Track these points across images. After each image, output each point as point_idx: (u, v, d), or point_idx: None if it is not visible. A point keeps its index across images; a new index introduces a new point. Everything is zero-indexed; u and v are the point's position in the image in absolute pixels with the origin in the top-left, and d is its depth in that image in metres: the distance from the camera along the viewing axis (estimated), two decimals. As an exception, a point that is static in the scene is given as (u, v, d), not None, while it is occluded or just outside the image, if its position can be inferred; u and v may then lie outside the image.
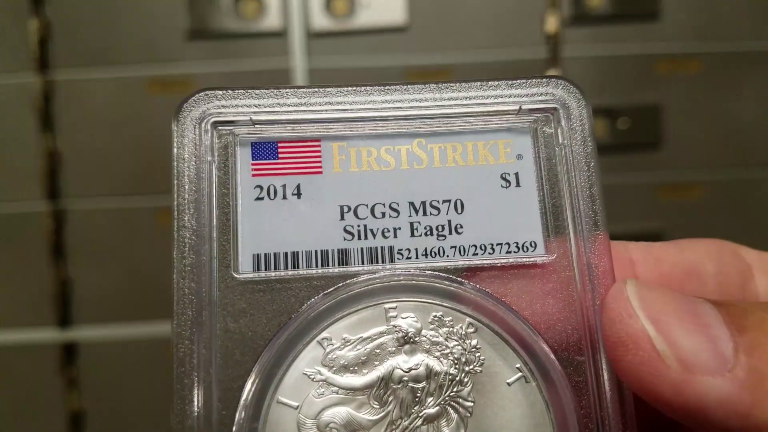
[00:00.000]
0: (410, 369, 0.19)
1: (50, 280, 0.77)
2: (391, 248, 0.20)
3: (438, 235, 0.21)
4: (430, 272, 0.20)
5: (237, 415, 0.18)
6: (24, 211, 0.76)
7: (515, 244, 0.21)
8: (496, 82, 0.21)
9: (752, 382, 0.17)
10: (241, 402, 0.18)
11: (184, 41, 0.74)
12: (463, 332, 0.20)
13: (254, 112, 0.20)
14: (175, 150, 0.20)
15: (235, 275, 0.19)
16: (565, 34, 0.77)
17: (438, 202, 0.21)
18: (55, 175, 0.77)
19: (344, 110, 0.21)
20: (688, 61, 0.80)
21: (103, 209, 0.77)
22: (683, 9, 0.80)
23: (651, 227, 0.80)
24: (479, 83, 0.21)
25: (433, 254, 0.20)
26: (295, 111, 0.21)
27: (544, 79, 0.22)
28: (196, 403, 0.18)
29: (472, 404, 0.19)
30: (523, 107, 0.21)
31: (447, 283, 0.20)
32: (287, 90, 0.21)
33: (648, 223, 0.80)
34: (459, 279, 0.20)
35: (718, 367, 0.17)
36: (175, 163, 0.20)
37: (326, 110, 0.21)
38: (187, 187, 0.20)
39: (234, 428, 0.18)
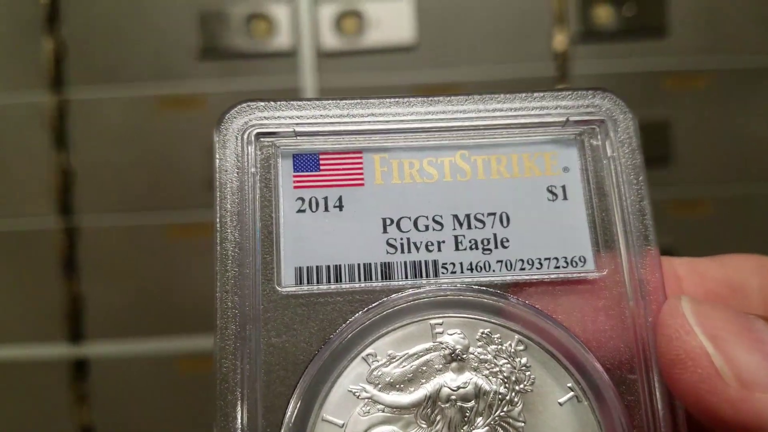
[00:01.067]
0: (458, 387, 0.18)
1: (62, 296, 0.76)
2: (435, 262, 0.20)
3: (483, 249, 0.20)
4: (476, 287, 0.20)
5: (281, 430, 0.18)
6: (37, 228, 0.77)
7: (564, 259, 0.20)
8: (542, 94, 0.21)
9: None
10: (286, 419, 0.18)
11: (196, 60, 0.74)
12: (513, 350, 0.19)
13: (296, 123, 0.20)
14: (218, 161, 0.19)
15: (278, 289, 0.19)
16: (573, 51, 0.77)
17: (483, 215, 0.20)
18: (67, 191, 0.77)
19: (386, 122, 0.21)
20: (696, 77, 0.80)
21: (115, 226, 0.77)
22: (691, 25, 0.80)
23: (661, 243, 0.79)
24: (524, 95, 0.21)
25: (478, 269, 0.20)
26: (337, 122, 0.20)
27: (590, 91, 0.21)
28: (239, 420, 0.17)
29: (523, 424, 0.18)
30: (570, 119, 0.21)
31: (494, 298, 0.19)
32: (329, 101, 0.20)
33: (658, 240, 0.79)
34: (506, 294, 0.19)
35: None
36: (218, 175, 0.19)
37: (368, 122, 0.20)
38: (229, 198, 0.19)
39: (278, 448, 0.17)
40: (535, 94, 0.21)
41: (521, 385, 0.19)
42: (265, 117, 0.20)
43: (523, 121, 0.21)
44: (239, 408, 0.17)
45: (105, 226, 0.76)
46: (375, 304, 0.19)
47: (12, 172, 0.76)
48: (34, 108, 0.75)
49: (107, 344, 0.76)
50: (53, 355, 0.74)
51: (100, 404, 0.74)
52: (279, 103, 0.20)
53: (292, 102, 0.20)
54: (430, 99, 0.21)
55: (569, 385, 0.19)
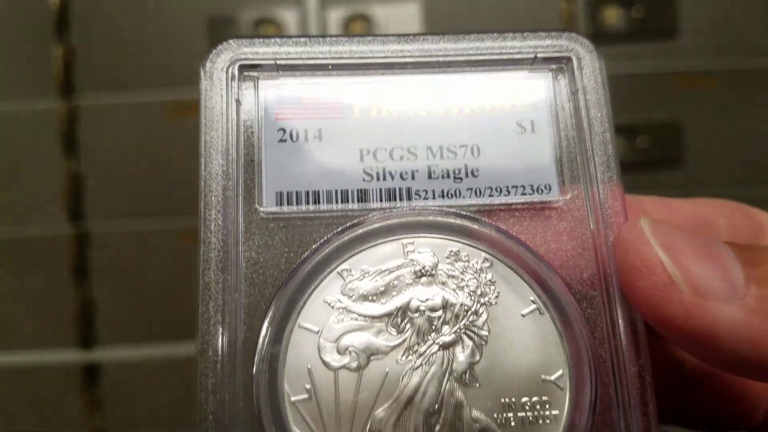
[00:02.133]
0: (427, 299, 0.20)
1: (73, 302, 0.78)
2: (408, 189, 0.21)
3: (455, 178, 0.21)
4: (446, 211, 0.21)
5: (260, 337, 0.19)
6: (48, 234, 0.78)
7: (530, 187, 0.21)
8: (512, 34, 0.22)
9: (763, 311, 0.17)
10: (264, 326, 0.19)
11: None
12: (479, 267, 0.20)
13: (279, 58, 0.21)
14: (204, 91, 0.21)
15: (259, 209, 0.20)
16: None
17: (455, 146, 0.22)
18: (78, 197, 0.79)
19: (365, 58, 0.22)
20: (706, 78, 0.80)
21: (125, 231, 0.78)
22: (700, 26, 0.80)
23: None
24: (495, 34, 0.22)
25: (449, 195, 0.21)
26: (318, 58, 0.22)
27: (557, 32, 0.22)
28: (220, 325, 0.19)
29: (487, 333, 0.19)
30: (539, 56, 0.22)
31: (463, 220, 0.21)
32: (310, 38, 0.22)
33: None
34: (475, 217, 0.21)
35: (729, 295, 0.18)
36: (203, 104, 0.21)
37: (347, 58, 0.22)
38: (214, 126, 0.21)
39: (257, 349, 0.19)
40: (506, 34, 0.22)
41: (486, 298, 0.20)
42: (249, 53, 0.22)
43: (494, 58, 0.22)
44: (220, 315, 0.19)
45: (115, 232, 0.77)
46: (350, 223, 0.20)
47: (22, 179, 0.77)
48: (44, 114, 0.77)
49: (118, 349, 0.77)
50: (65, 361, 0.76)
51: (112, 408, 0.75)
52: (262, 39, 0.22)
53: (275, 38, 0.22)
54: (406, 37, 0.22)
55: (531, 298, 0.20)
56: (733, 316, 0.17)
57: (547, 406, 0.19)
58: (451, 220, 0.21)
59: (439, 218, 0.21)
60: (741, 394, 0.24)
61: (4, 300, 0.80)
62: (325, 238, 0.20)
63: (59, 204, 0.79)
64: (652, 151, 0.79)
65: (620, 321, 0.20)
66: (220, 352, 0.19)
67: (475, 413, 0.19)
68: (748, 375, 0.20)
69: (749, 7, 0.80)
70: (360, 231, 0.20)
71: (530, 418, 0.19)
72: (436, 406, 0.19)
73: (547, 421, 0.19)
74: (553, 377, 0.19)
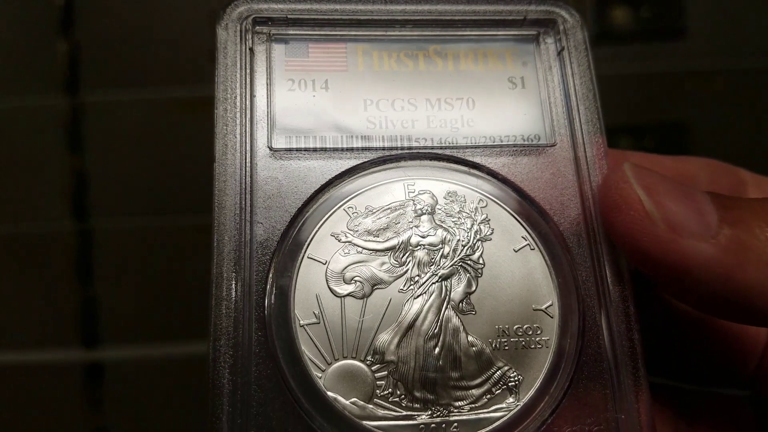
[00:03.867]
0: (427, 234, 0.21)
1: (76, 300, 0.77)
2: (409, 136, 0.23)
3: (452, 127, 0.23)
4: (445, 155, 0.22)
5: (272, 268, 0.20)
6: (51, 231, 0.77)
7: (521, 136, 0.23)
8: None
9: (734, 249, 0.19)
10: (276, 256, 0.20)
11: (210, 62, 0.75)
12: (475, 206, 0.22)
13: (290, 13, 0.23)
14: (220, 41, 0.22)
15: (271, 149, 0.22)
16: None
17: (452, 99, 0.23)
18: (83, 195, 0.78)
19: (369, 17, 0.23)
20: (714, 78, 0.80)
21: (130, 228, 0.77)
22: (709, 26, 0.80)
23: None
24: None
25: (447, 142, 0.23)
26: (326, 14, 0.23)
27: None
28: (234, 253, 0.20)
29: (482, 266, 0.21)
30: (528, 18, 0.24)
31: (460, 164, 0.22)
32: None
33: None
34: (471, 161, 0.22)
35: (702, 233, 0.19)
36: (220, 52, 0.22)
37: (353, 15, 0.23)
38: (229, 73, 0.22)
39: (269, 279, 0.20)
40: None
41: (481, 235, 0.21)
42: (262, 7, 0.23)
43: (487, 18, 0.24)
44: (232, 245, 0.20)
45: (120, 229, 0.76)
46: (356, 163, 0.22)
47: (27, 175, 0.77)
48: (49, 111, 0.76)
49: (122, 348, 0.76)
50: (67, 359, 0.75)
51: (115, 408, 0.75)
52: (274, -4, 0.23)
53: (286, -4, 0.23)
54: None
55: (523, 236, 0.22)
56: (705, 253, 0.19)
57: (538, 332, 0.20)
58: (450, 163, 0.22)
59: (439, 161, 0.22)
60: (732, 345, 0.26)
61: (6, 297, 0.79)
62: (332, 176, 0.22)
63: (63, 201, 0.79)
64: (659, 152, 0.80)
65: (604, 256, 0.21)
66: (234, 282, 0.20)
67: (471, 338, 0.20)
68: (720, 313, 0.21)
69: (758, 8, 0.81)
70: (365, 171, 0.22)
71: (522, 343, 0.20)
72: (436, 330, 0.20)
73: (539, 346, 0.20)
74: (543, 306, 0.21)
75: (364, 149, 0.22)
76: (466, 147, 0.23)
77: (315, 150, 0.22)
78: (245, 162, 0.21)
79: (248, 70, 0.22)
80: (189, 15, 0.79)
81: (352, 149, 0.22)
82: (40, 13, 0.79)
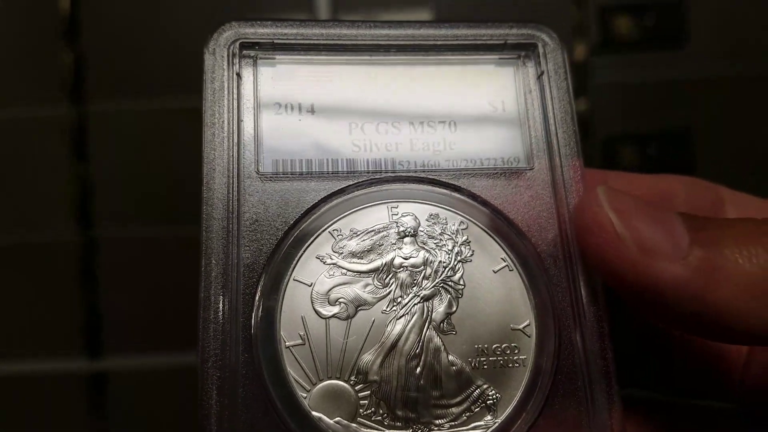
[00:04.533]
0: (409, 256, 0.22)
1: (80, 309, 0.77)
2: (393, 159, 0.23)
3: (434, 150, 0.24)
4: (427, 179, 0.23)
5: (258, 290, 0.21)
6: (55, 239, 0.77)
7: (501, 159, 0.24)
8: (485, 23, 0.25)
9: (705, 270, 0.19)
10: (262, 279, 0.21)
11: None
12: (456, 228, 0.23)
13: (277, 38, 0.23)
14: (207, 66, 0.23)
15: (258, 173, 0.22)
16: (593, 61, 0.78)
17: (434, 122, 0.24)
18: (87, 203, 0.78)
19: (354, 41, 0.24)
20: (717, 85, 0.80)
21: (134, 238, 0.77)
22: (711, 34, 0.80)
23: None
24: (471, 23, 0.25)
25: (429, 165, 0.23)
26: (312, 39, 0.24)
27: (524, 22, 0.25)
28: (221, 279, 0.20)
29: (462, 287, 0.22)
30: (508, 42, 0.24)
31: (442, 187, 0.23)
32: (306, 21, 0.24)
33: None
34: (452, 183, 0.23)
35: (673, 254, 0.20)
36: (207, 77, 0.23)
37: (338, 41, 0.24)
38: (217, 96, 0.22)
39: (255, 300, 0.21)
40: (480, 23, 0.25)
41: (462, 256, 0.22)
42: (249, 32, 0.23)
43: (469, 43, 0.24)
44: (220, 268, 0.21)
45: (124, 238, 0.76)
46: (340, 187, 0.22)
47: (31, 184, 0.76)
48: (53, 120, 0.76)
49: (125, 358, 0.76)
50: (71, 369, 0.75)
51: (118, 418, 0.74)
52: (261, 21, 0.24)
53: (273, 20, 0.24)
54: (393, 23, 0.24)
55: (502, 257, 0.22)
56: (676, 274, 0.19)
57: (516, 351, 0.21)
58: (431, 186, 0.23)
59: (421, 185, 0.23)
60: (715, 357, 0.26)
61: (10, 306, 0.79)
62: (318, 200, 0.22)
63: (68, 210, 0.79)
64: (662, 159, 0.80)
65: (580, 277, 0.22)
66: (221, 304, 0.20)
67: (452, 357, 0.21)
68: (693, 332, 0.22)
69: (760, 15, 0.81)
70: (349, 195, 0.22)
71: (501, 361, 0.21)
72: (417, 350, 0.21)
73: (516, 365, 0.21)
74: (521, 326, 0.22)
75: (348, 173, 0.23)
76: (448, 170, 0.23)
77: (301, 174, 0.22)
78: (233, 186, 0.22)
79: (235, 95, 0.23)
80: (195, 25, 0.79)
81: (337, 173, 0.22)
82: (45, 23, 0.79)
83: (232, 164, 0.22)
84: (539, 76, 0.24)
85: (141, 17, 0.79)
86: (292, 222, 0.22)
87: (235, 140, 0.22)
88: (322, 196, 0.22)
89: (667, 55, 0.80)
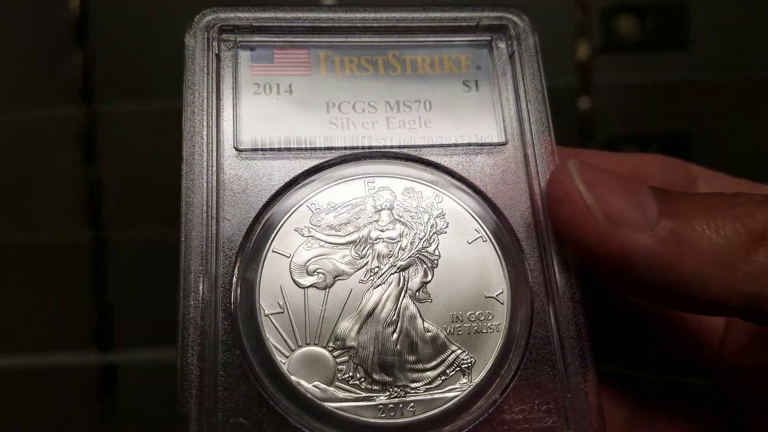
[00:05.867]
0: (386, 229, 0.23)
1: (91, 307, 0.77)
2: (369, 136, 0.24)
3: (410, 128, 0.24)
4: (403, 154, 0.24)
5: (237, 260, 0.21)
6: (66, 239, 0.77)
7: (475, 135, 0.24)
8: (458, 6, 0.26)
9: (673, 241, 0.20)
10: (242, 250, 0.21)
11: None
12: (431, 201, 0.23)
13: (255, 21, 0.24)
14: (188, 48, 0.23)
15: (237, 149, 0.23)
16: (596, 63, 0.77)
17: (410, 101, 0.25)
18: (97, 204, 0.78)
19: (331, 24, 0.25)
20: (719, 89, 0.78)
21: (143, 238, 0.77)
22: (714, 37, 0.77)
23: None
24: (444, 7, 0.25)
25: (405, 143, 0.24)
26: (288, 23, 0.24)
27: (496, 6, 0.26)
28: (201, 253, 0.21)
29: (437, 257, 0.22)
30: (480, 24, 0.25)
31: (417, 163, 0.24)
32: (283, 6, 0.25)
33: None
34: (427, 159, 0.24)
35: (642, 225, 0.20)
36: (188, 61, 0.23)
37: (315, 24, 0.25)
38: (197, 77, 0.23)
39: (235, 271, 0.21)
40: (453, 6, 0.26)
41: (436, 228, 0.23)
42: (229, 17, 0.24)
43: (443, 25, 0.25)
44: (202, 243, 0.21)
45: (135, 238, 0.77)
46: (319, 161, 0.23)
47: (41, 185, 0.77)
48: (63, 121, 0.76)
49: (136, 353, 0.76)
50: (82, 364, 0.74)
51: (129, 412, 0.74)
52: (240, 6, 0.24)
53: (251, 6, 0.24)
54: (366, 7, 0.25)
55: (475, 228, 0.23)
56: (644, 244, 0.20)
57: (490, 318, 0.22)
58: (407, 162, 0.24)
59: (397, 160, 0.24)
60: (690, 333, 0.27)
61: (23, 303, 0.79)
62: (296, 175, 0.23)
63: (78, 210, 0.79)
64: None
65: (552, 247, 0.23)
66: (201, 274, 0.21)
67: (427, 324, 0.21)
68: (661, 302, 0.23)
69: (762, 18, 0.82)
70: (327, 170, 0.23)
71: (475, 327, 0.22)
72: (394, 317, 0.21)
73: (490, 331, 0.22)
74: (494, 294, 0.22)
75: (326, 149, 0.23)
76: (423, 146, 0.24)
77: (279, 150, 0.23)
78: (212, 162, 0.22)
79: (215, 75, 0.23)
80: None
81: (315, 149, 0.23)
82: (55, 25, 0.79)
83: (212, 141, 0.22)
84: (511, 56, 0.25)
85: (150, 19, 0.80)
86: (270, 196, 0.22)
87: (215, 118, 0.23)
88: (300, 172, 0.23)
89: (669, 57, 0.81)
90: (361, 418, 0.20)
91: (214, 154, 0.22)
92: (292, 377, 0.20)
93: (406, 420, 0.20)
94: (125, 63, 0.78)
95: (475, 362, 0.21)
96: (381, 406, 0.20)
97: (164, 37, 0.78)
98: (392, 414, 0.20)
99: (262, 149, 0.23)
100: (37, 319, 0.77)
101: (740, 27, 0.82)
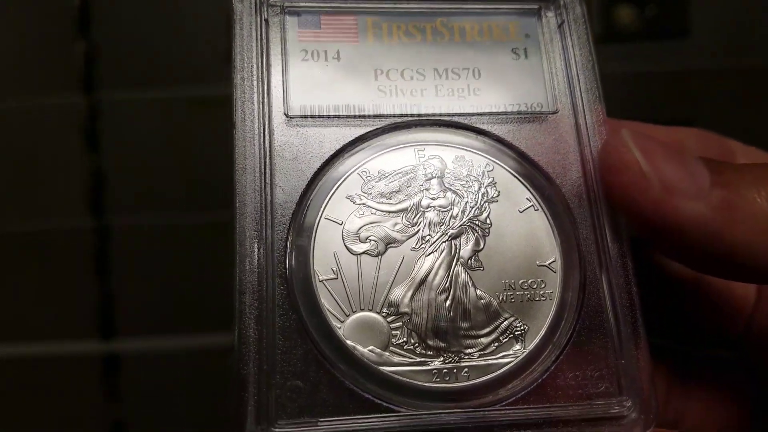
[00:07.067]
0: (436, 197, 0.22)
1: (94, 294, 0.77)
2: (418, 104, 0.24)
3: (459, 96, 0.24)
4: (453, 122, 0.23)
5: (291, 227, 0.21)
6: (69, 227, 0.77)
7: (525, 104, 0.24)
8: None
9: (724, 209, 0.20)
10: (295, 217, 0.21)
11: (225, 62, 0.75)
12: (482, 170, 0.23)
13: None
14: (237, 14, 0.23)
15: (287, 116, 0.23)
16: (595, 52, 0.77)
17: (459, 69, 0.24)
18: (99, 192, 0.79)
19: None
20: (720, 77, 0.80)
21: (147, 225, 0.78)
22: (714, 26, 0.79)
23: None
24: None
25: (454, 111, 0.24)
26: None
27: None
28: (255, 221, 0.21)
29: (489, 226, 0.22)
30: None
31: (467, 131, 0.23)
32: None
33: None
34: (478, 127, 0.23)
35: (695, 194, 0.20)
36: (237, 26, 0.23)
37: None
38: (246, 43, 0.23)
39: (289, 239, 0.21)
40: None
41: (488, 197, 0.23)
42: None
43: None
44: (253, 207, 0.21)
45: (137, 225, 0.77)
46: (368, 130, 0.23)
47: (44, 173, 0.77)
48: (66, 110, 0.76)
49: (139, 341, 0.77)
50: (85, 352, 0.75)
51: (132, 400, 0.75)
52: (288, -30, 0.24)
53: (298, -30, 0.24)
54: None
55: (527, 197, 0.23)
56: (697, 212, 0.20)
57: (542, 286, 0.22)
58: (457, 130, 0.23)
59: (447, 128, 0.23)
60: (721, 306, 0.27)
61: (25, 290, 0.80)
62: (346, 143, 0.23)
63: (80, 199, 0.79)
64: None
65: (604, 216, 0.23)
66: (256, 240, 0.21)
67: (480, 291, 0.21)
68: (710, 270, 0.23)
69: (764, 5, 0.80)
70: (377, 138, 0.23)
71: (527, 296, 0.22)
72: (446, 285, 0.21)
73: (543, 299, 0.22)
74: (546, 262, 0.22)
75: (375, 117, 0.23)
76: (473, 114, 0.24)
77: (329, 117, 0.23)
78: (263, 128, 0.22)
79: (264, 41, 0.23)
80: (206, 15, 0.79)
81: (364, 117, 0.23)
82: (57, 12, 0.79)
83: (263, 107, 0.22)
84: (560, 25, 0.25)
85: (153, 8, 0.79)
86: (321, 164, 0.22)
87: (265, 84, 0.23)
88: (350, 140, 0.23)
89: (669, 46, 0.80)
90: (416, 382, 0.20)
91: (265, 120, 0.22)
92: (348, 341, 0.20)
93: (460, 384, 0.20)
94: (128, 52, 0.78)
95: (528, 329, 0.21)
96: (435, 370, 0.20)
97: (168, 26, 0.77)
98: (447, 379, 0.20)
99: (311, 116, 0.23)
100: (40, 307, 0.78)
101: (740, 15, 0.81)
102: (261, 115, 0.22)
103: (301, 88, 0.23)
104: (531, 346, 0.21)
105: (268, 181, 0.22)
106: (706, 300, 0.27)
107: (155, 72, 0.79)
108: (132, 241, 0.78)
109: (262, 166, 0.22)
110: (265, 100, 0.22)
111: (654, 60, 0.79)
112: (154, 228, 0.78)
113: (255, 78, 0.23)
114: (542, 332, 0.21)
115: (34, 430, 0.77)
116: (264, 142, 0.22)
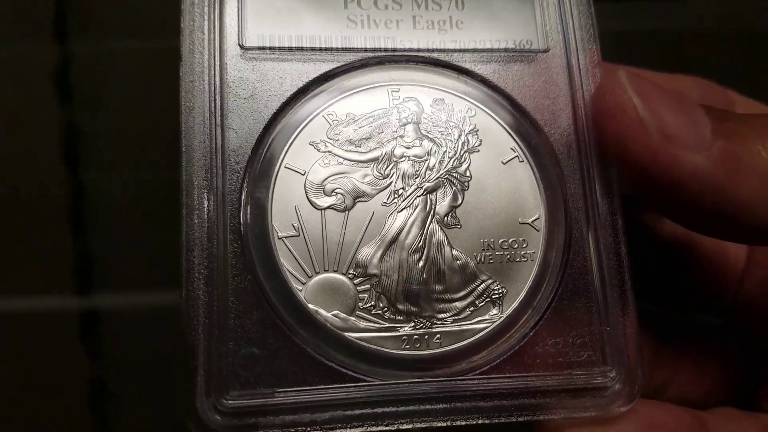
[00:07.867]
0: (412, 146, 0.20)
1: (69, 250, 0.75)
2: (393, 38, 0.21)
3: (439, 29, 0.21)
4: (431, 59, 0.21)
5: (246, 176, 0.19)
6: (41, 182, 0.74)
7: (513, 41, 0.21)
8: None
9: (727, 162, 0.18)
10: (251, 165, 0.19)
11: None
12: (463, 115, 0.21)
13: None
14: None
15: (242, 47, 0.20)
16: (594, 10, 0.74)
17: None
18: (73, 147, 0.75)
19: None
20: (719, 41, 0.78)
21: (123, 182, 0.75)
22: None
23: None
24: None
25: (434, 46, 0.21)
26: None
27: None
28: (202, 160, 0.18)
29: (469, 179, 0.20)
30: None
31: (449, 70, 0.21)
32: None
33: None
34: (460, 66, 0.21)
35: (696, 144, 0.18)
36: None
37: None
38: None
39: (243, 189, 0.19)
40: None
41: (468, 146, 0.20)
42: None
43: None
44: (205, 150, 0.19)
45: (113, 182, 0.74)
46: (335, 67, 0.20)
47: (16, 127, 0.73)
48: (37, 60, 0.71)
49: (117, 296, 0.75)
50: (62, 308, 0.73)
51: (112, 356, 0.74)
52: None
53: None
54: None
55: (512, 147, 0.21)
56: (697, 164, 0.18)
57: (524, 245, 0.20)
58: (436, 68, 0.21)
59: (425, 66, 0.21)
60: (711, 272, 0.26)
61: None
62: (310, 80, 0.20)
63: (54, 153, 0.75)
64: None
65: (594, 168, 0.20)
66: (206, 192, 0.18)
67: (456, 251, 0.20)
68: (708, 229, 0.21)
69: None
70: (345, 76, 0.20)
71: (507, 256, 0.20)
72: (420, 244, 0.19)
73: (524, 259, 0.20)
74: (529, 220, 0.20)
75: (344, 50, 0.20)
76: (455, 51, 0.21)
77: (290, 49, 0.20)
78: (214, 61, 0.19)
79: None
80: None
81: (331, 50, 0.20)
82: None
83: (213, 37, 0.19)
84: None
85: None
86: (281, 104, 0.20)
87: (217, 11, 0.20)
88: (315, 77, 0.20)
89: (667, 6, 0.77)
90: (385, 350, 0.18)
91: (217, 52, 0.19)
92: (310, 305, 0.18)
93: (432, 352, 0.19)
94: (103, 1, 0.73)
95: (506, 293, 0.19)
96: (405, 337, 0.19)
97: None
98: (417, 345, 0.19)
99: (270, 48, 0.20)
100: (14, 262, 0.75)
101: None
102: (211, 46, 0.19)
103: (259, 16, 0.20)
104: (509, 311, 0.19)
105: (218, 122, 0.19)
106: (697, 263, 0.26)
107: (131, 22, 0.74)
108: (109, 196, 0.76)
109: (212, 105, 0.19)
110: (217, 28, 0.19)
111: (652, 19, 0.77)
112: (133, 183, 0.75)
113: (206, 3, 0.19)
114: (521, 296, 0.19)
115: (10, 386, 0.77)
116: (214, 77, 0.19)
